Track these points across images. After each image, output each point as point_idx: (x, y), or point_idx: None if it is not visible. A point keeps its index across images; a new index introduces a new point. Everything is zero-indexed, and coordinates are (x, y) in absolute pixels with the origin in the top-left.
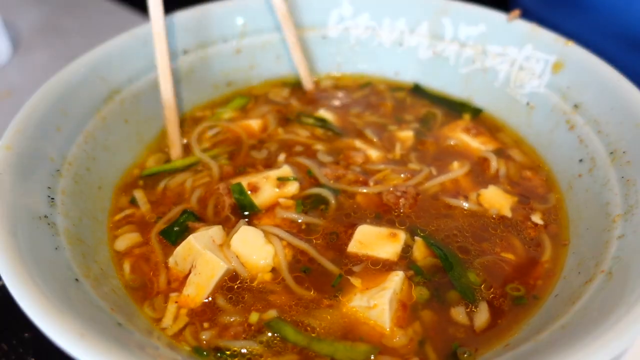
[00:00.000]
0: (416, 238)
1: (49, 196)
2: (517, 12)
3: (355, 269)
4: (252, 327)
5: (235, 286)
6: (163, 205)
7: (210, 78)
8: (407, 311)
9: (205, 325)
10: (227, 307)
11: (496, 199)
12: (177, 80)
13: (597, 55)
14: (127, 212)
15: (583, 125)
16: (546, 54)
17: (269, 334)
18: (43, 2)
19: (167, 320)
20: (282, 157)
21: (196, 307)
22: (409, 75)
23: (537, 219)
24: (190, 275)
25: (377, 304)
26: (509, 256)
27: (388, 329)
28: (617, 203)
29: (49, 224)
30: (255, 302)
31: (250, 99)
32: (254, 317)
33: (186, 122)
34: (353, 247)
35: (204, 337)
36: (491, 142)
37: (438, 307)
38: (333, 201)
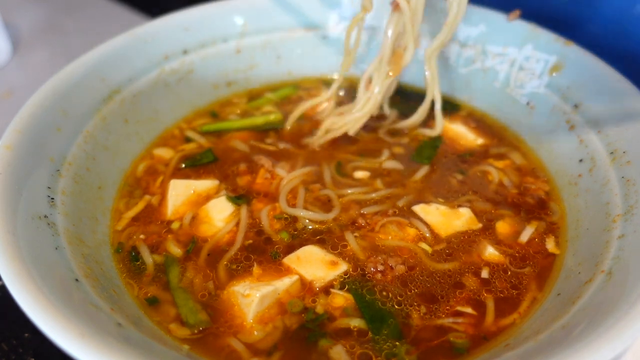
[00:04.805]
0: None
1: (49, 196)
2: (517, 12)
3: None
4: (163, 252)
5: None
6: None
7: (210, 78)
8: (281, 314)
9: (142, 237)
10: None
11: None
12: (176, 80)
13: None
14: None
15: (583, 125)
16: (546, 54)
17: (157, 259)
18: (43, 2)
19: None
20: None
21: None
22: (408, 75)
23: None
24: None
25: (250, 294)
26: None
27: (249, 320)
28: (617, 203)
29: (49, 224)
30: (187, 242)
31: (297, 90)
32: (172, 248)
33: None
34: (289, 259)
35: (134, 237)
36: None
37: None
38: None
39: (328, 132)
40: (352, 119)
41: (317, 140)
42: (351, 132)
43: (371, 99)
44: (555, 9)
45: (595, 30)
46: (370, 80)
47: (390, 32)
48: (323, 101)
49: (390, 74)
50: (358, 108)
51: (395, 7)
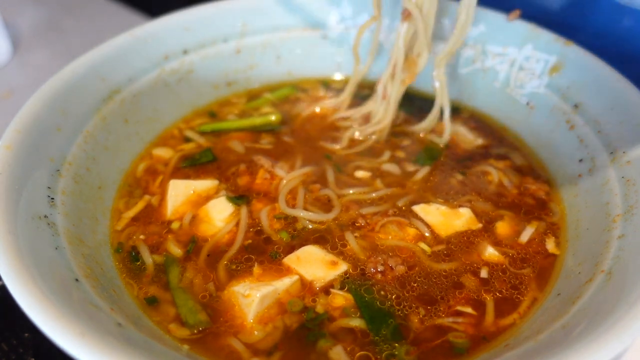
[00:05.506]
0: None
1: (49, 196)
2: (517, 12)
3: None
4: (163, 252)
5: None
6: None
7: (210, 78)
8: (281, 314)
9: (142, 237)
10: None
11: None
12: (176, 80)
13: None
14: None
15: (583, 125)
16: (546, 54)
17: (157, 259)
18: (43, 2)
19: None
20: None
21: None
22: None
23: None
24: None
25: (250, 294)
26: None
27: (249, 320)
28: (617, 203)
29: (49, 224)
30: (187, 242)
31: (296, 90)
32: (172, 248)
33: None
34: (289, 259)
35: (134, 237)
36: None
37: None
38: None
39: (353, 141)
40: (377, 130)
41: (342, 149)
42: (377, 139)
43: (389, 108)
44: (546, 14)
45: (589, 36)
46: (385, 89)
47: (401, 41)
48: (332, 105)
49: (406, 81)
50: (379, 119)
51: (407, 16)
